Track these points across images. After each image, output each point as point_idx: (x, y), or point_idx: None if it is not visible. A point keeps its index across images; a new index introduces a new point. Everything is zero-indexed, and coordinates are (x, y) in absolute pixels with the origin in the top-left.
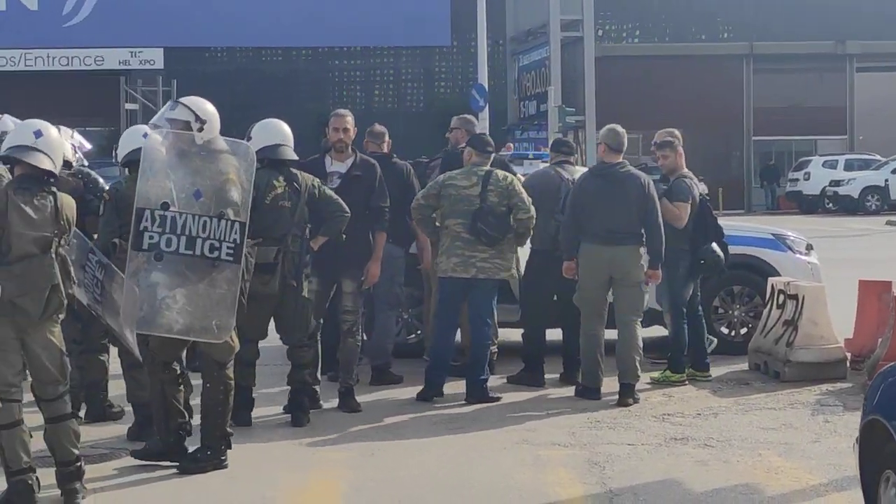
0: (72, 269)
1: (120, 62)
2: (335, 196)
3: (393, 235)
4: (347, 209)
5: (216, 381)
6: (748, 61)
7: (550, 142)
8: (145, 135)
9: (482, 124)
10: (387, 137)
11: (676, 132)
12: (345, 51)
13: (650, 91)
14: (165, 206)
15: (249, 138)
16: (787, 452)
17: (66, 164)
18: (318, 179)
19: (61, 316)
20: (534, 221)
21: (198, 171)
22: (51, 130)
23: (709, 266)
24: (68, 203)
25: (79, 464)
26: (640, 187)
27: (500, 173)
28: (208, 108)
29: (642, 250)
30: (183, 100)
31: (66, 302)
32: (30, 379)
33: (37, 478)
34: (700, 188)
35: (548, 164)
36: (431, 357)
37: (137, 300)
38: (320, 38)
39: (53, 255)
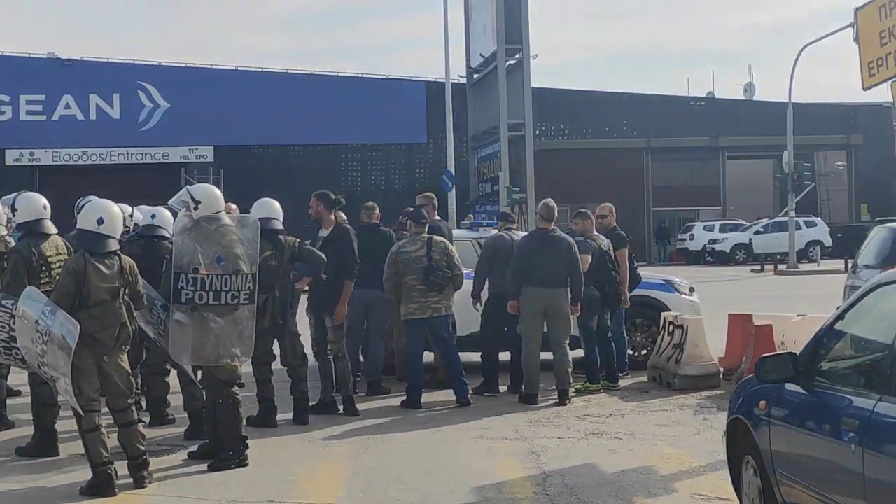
0: (135, 311)
1: (181, 157)
2: (313, 250)
3: (380, 284)
4: (324, 257)
5: (227, 397)
6: (647, 152)
7: (498, 214)
8: (45, 206)
9: (451, 201)
10: (377, 211)
11: (611, 205)
12: (348, 146)
13: (575, 174)
14: (195, 270)
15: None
16: (675, 443)
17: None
18: (299, 240)
19: (127, 346)
20: (462, 275)
21: (217, 242)
22: (112, 209)
23: (587, 303)
24: (129, 263)
25: (145, 457)
26: (568, 246)
27: (437, 238)
28: (208, 192)
29: (568, 290)
30: (190, 187)
31: (131, 335)
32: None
33: (115, 468)
34: (603, 244)
35: (497, 231)
36: (409, 378)
37: (186, 338)
38: (329, 137)
39: (121, 301)
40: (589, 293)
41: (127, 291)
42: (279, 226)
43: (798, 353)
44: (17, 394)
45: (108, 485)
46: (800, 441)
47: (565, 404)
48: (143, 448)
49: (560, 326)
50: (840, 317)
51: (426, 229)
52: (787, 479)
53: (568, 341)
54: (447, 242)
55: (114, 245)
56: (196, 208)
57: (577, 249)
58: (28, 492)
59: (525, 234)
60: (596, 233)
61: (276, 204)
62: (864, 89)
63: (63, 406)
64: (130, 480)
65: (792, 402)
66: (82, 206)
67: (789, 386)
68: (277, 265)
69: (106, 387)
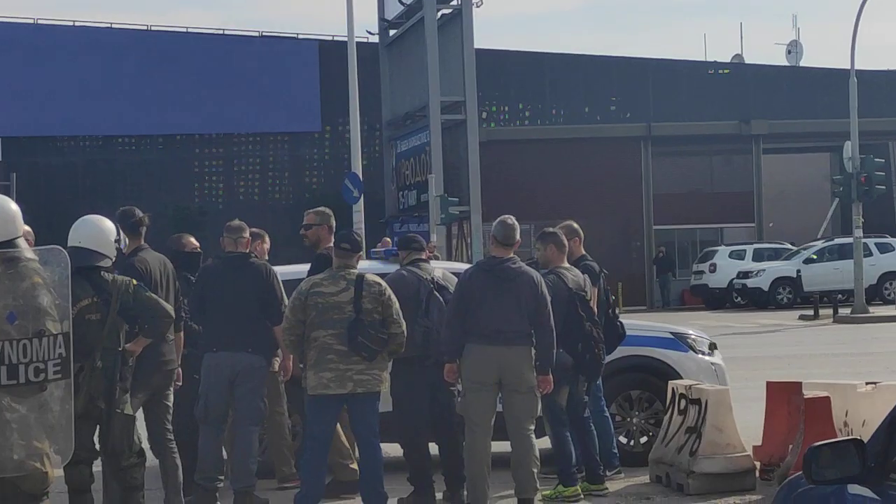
0: None
1: None
2: (155, 298)
3: (253, 344)
4: (171, 312)
5: None
6: (646, 143)
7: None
8: None
9: (356, 216)
10: (245, 234)
11: (574, 225)
12: (203, 138)
13: (542, 177)
14: None
15: None
16: None
17: None
18: (134, 282)
19: None
20: (404, 335)
21: (8, 291)
22: None
23: (557, 370)
24: None
25: None
26: (532, 286)
27: (371, 277)
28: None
29: (532, 350)
30: None
31: None
32: None
33: None
34: (575, 280)
35: (399, 265)
36: (304, 486)
37: None
38: (176, 124)
39: None
40: (558, 357)
41: None
42: (106, 260)
43: (867, 439)
44: None
45: None
46: None
47: None
48: None
49: (523, 405)
50: None
51: (357, 261)
52: None
53: (533, 426)
54: (386, 287)
55: None
56: None
57: (545, 290)
58: None
59: (468, 265)
60: (567, 264)
61: (105, 224)
62: None
63: None
64: None
65: None
66: None
67: (853, 489)
68: (100, 319)
69: None
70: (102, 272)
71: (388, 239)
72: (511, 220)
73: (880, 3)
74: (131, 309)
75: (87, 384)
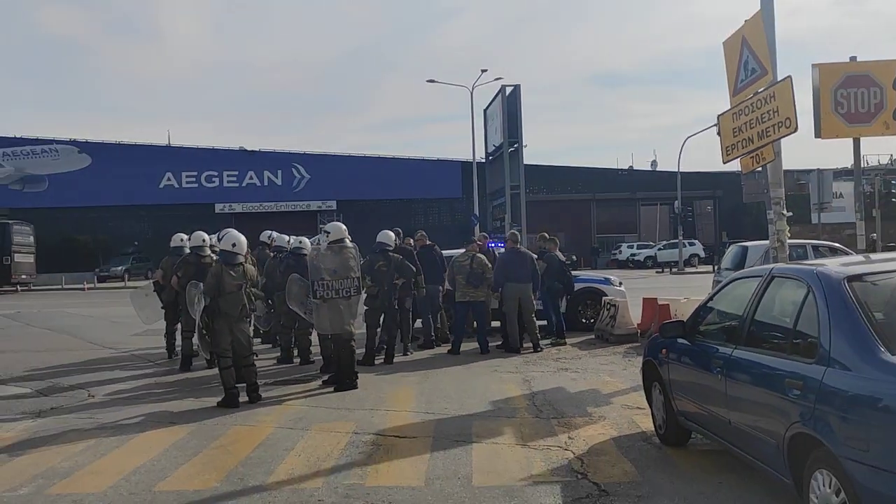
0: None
1: (316, 207)
2: (407, 263)
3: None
4: (412, 268)
5: (347, 349)
6: (593, 203)
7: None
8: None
9: (476, 231)
10: (426, 240)
11: (547, 236)
12: (414, 200)
13: (548, 216)
14: (322, 278)
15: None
16: (612, 374)
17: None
18: (401, 257)
19: (248, 319)
20: (492, 277)
21: (333, 260)
22: (240, 238)
23: (554, 291)
24: (251, 270)
25: (257, 384)
26: (531, 259)
27: (479, 255)
28: (335, 226)
29: (531, 285)
30: (327, 225)
31: (249, 313)
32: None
33: (238, 392)
34: (561, 257)
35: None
36: (455, 334)
37: (323, 316)
38: (403, 193)
39: (243, 292)
40: (554, 286)
41: (248, 286)
42: (390, 247)
43: (685, 320)
44: (196, 354)
45: (234, 401)
46: (686, 373)
47: (539, 351)
48: (255, 380)
49: (529, 306)
50: (710, 298)
51: (474, 249)
52: (678, 395)
53: (534, 315)
54: (483, 256)
55: (240, 259)
56: (327, 235)
57: (534, 260)
58: (195, 407)
59: (509, 250)
60: (558, 251)
61: (391, 233)
62: (724, 163)
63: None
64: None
65: (681, 349)
66: (222, 235)
67: (680, 340)
68: (387, 271)
69: (235, 343)
70: (391, 252)
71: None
72: (516, 233)
73: (692, 141)
74: (399, 267)
75: (382, 296)
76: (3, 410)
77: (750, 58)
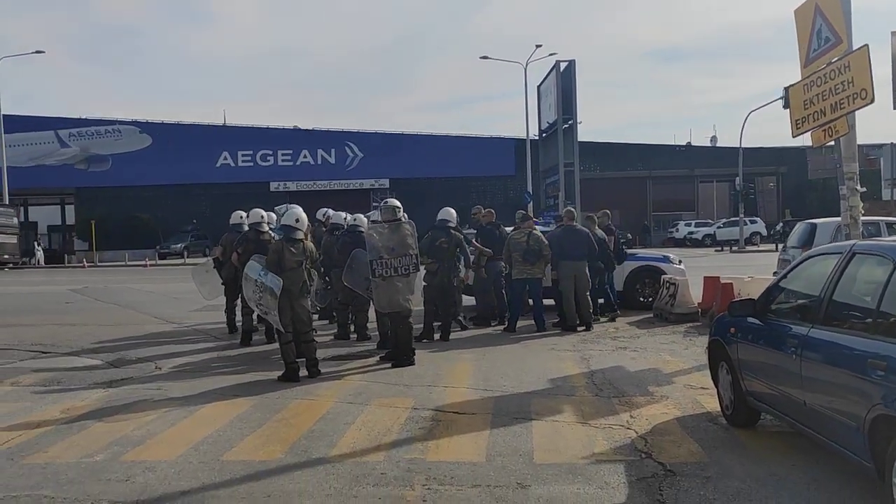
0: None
1: (369, 185)
2: (469, 241)
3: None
4: (468, 252)
5: (405, 326)
6: (649, 180)
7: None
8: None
9: (530, 209)
10: (493, 216)
11: (607, 211)
12: (469, 178)
13: (604, 193)
14: (381, 256)
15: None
16: (672, 354)
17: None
18: (462, 234)
19: (308, 294)
20: (549, 255)
21: (391, 238)
22: (302, 215)
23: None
24: (310, 246)
25: (316, 359)
26: (586, 236)
27: (535, 232)
28: (393, 203)
29: (585, 262)
30: (386, 200)
31: (308, 290)
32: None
33: (299, 367)
34: (617, 234)
35: (562, 224)
36: (511, 312)
37: (382, 293)
38: (457, 171)
39: (304, 268)
40: (595, 265)
41: (307, 262)
42: (452, 224)
43: (756, 298)
44: (256, 330)
45: (294, 375)
46: (757, 352)
47: (590, 329)
48: (315, 355)
49: (583, 284)
50: (784, 276)
51: (530, 226)
52: (748, 375)
53: (588, 293)
54: (540, 234)
55: (300, 235)
56: (382, 214)
57: (591, 237)
58: (257, 380)
59: (565, 227)
60: (598, 229)
61: (452, 210)
62: (793, 136)
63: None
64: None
65: (752, 328)
66: (283, 212)
67: (750, 319)
68: (448, 248)
69: (295, 318)
70: (453, 230)
71: (541, 217)
72: (572, 208)
73: (753, 117)
74: (458, 245)
75: (441, 273)
76: (78, 381)
77: (823, 26)
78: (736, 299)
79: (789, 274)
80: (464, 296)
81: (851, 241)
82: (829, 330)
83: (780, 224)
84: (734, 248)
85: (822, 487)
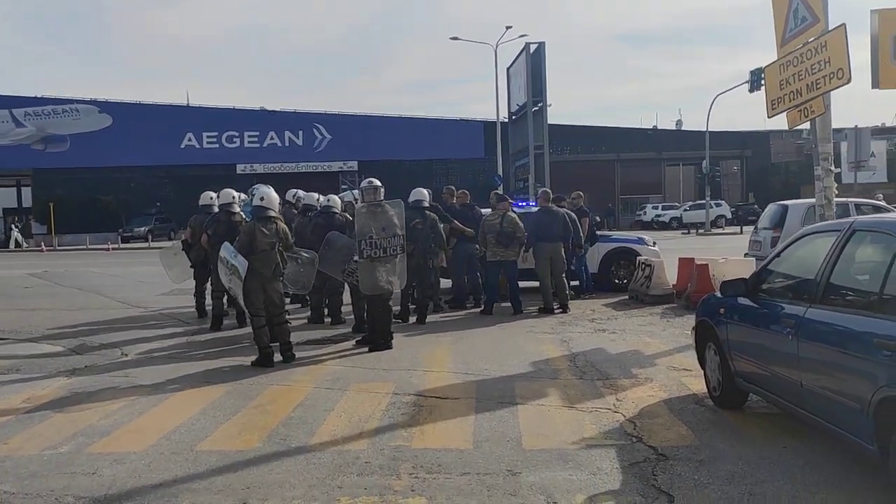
0: (287, 260)
1: (338, 168)
2: (443, 220)
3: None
4: (441, 234)
5: (384, 307)
6: (617, 163)
7: (536, 197)
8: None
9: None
10: (467, 198)
11: (579, 192)
12: (437, 160)
13: (572, 176)
14: (370, 237)
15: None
16: (652, 335)
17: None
18: (437, 215)
19: (281, 277)
20: (524, 236)
21: (379, 219)
22: (270, 193)
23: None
24: (283, 227)
25: (290, 343)
26: (562, 217)
27: (509, 214)
28: (377, 182)
29: (561, 244)
30: (370, 180)
31: (281, 272)
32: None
33: (273, 352)
34: (591, 217)
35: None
36: (487, 294)
37: (367, 275)
38: (426, 154)
39: (276, 251)
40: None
41: (280, 244)
42: (425, 204)
43: (747, 278)
44: (226, 314)
45: (269, 360)
46: (748, 333)
47: (567, 312)
48: (289, 339)
49: (559, 266)
50: (776, 256)
51: (505, 208)
52: (738, 356)
53: (564, 275)
54: (515, 216)
55: (272, 214)
56: (363, 194)
57: (566, 218)
58: (229, 366)
59: (540, 209)
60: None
61: (424, 191)
62: (769, 117)
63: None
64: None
65: (743, 309)
66: (253, 192)
67: (741, 299)
68: (423, 228)
69: (267, 301)
70: (427, 211)
71: (510, 201)
72: (548, 190)
73: (719, 101)
74: (433, 229)
75: (417, 254)
76: (38, 369)
77: (800, 5)
78: (730, 279)
79: (782, 253)
80: (441, 279)
81: (851, 219)
82: (829, 309)
83: (733, 208)
84: (700, 231)
85: (816, 469)
